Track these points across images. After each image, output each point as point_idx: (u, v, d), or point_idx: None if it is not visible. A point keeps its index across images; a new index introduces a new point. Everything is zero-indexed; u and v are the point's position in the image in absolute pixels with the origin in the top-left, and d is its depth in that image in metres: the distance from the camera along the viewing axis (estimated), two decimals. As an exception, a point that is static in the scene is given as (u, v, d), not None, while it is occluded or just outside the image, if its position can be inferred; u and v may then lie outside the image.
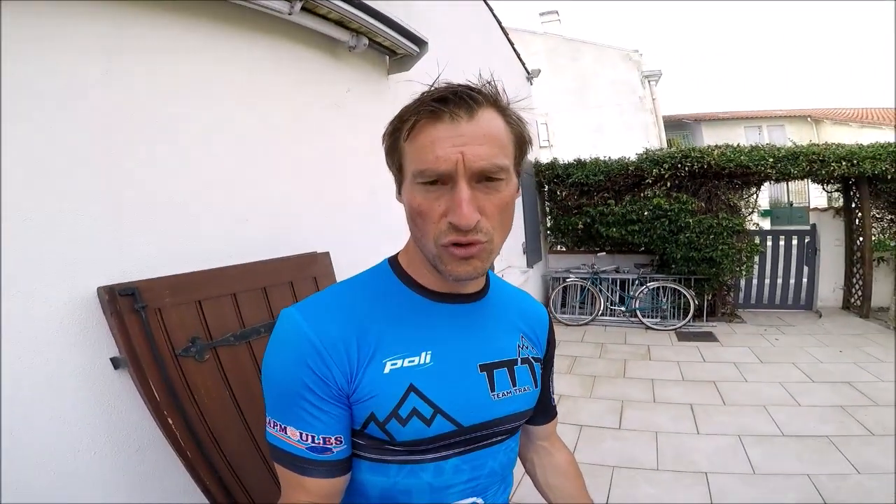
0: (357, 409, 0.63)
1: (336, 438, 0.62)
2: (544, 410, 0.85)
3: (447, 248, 0.58)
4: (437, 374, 0.64)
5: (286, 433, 0.62)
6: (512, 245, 5.71)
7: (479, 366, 0.68)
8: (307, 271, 1.82)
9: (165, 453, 1.33)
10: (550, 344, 0.84)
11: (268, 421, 0.65)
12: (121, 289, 1.23)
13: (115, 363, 1.27)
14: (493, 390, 0.68)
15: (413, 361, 0.64)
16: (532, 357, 0.76)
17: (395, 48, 2.44)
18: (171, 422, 1.27)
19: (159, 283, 1.33)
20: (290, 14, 1.72)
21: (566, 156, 6.97)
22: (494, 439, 0.70)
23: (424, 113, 0.56)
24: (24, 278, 1.10)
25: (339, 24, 2.05)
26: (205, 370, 1.39)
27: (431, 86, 0.60)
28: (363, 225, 2.41)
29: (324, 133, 2.20)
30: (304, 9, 1.77)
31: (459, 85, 0.58)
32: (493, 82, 0.60)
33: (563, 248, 7.09)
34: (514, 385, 0.71)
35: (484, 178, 0.57)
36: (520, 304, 0.80)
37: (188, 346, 1.36)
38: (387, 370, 0.62)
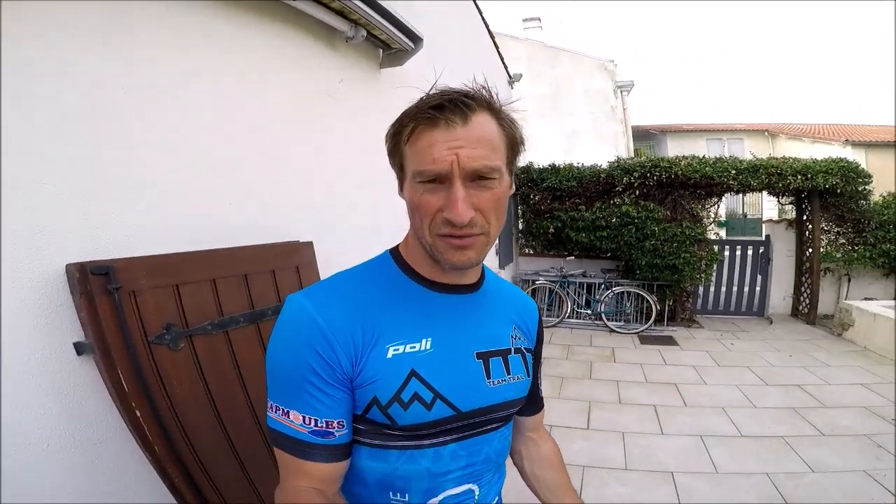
0: (360, 394, 0.64)
1: (339, 422, 0.64)
2: (533, 401, 0.88)
3: (443, 238, 0.62)
4: (436, 361, 0.66)
5: (289, 417, 0.63)
6: (486, 246, 5.76)
7: (476, 353, 0.71)
8: (290, 260, 1.75)
9: (128, 447, 1.26)
10: (539, 337, 0.87)
11: (269, 406, 0.65)
12: (94, 267, 1.15)
13: (79, 348, 1.17)
14: (488, 377, 0.71)
15: (414, 347, 0.66)
16: (524, 348, 0.79)
17: (390, 42, 2.42)
18: (138, 414, 1.19)
19: (136, 263, 1.25)
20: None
21: (539, 160, 7.07)
22: (490, 426, 0.72)
23: (423, 119, 0.60)
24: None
25: (340, 13, 2.03)
26: (178, 359, 1.31)
27: (429, 91, 0.63)
28: (347, 216, 2.36)
29: (314, 122, 2.15)
30: None
31: (455, 91, 0.62)
32: (486, 87, 0.64)
33: (531, 252, 7.19)
34: (509, 373, 0.73)
35: (477, 177, 0.61)
36: (512, 297, 0.83)
37: (162, 332, 1.28)
38: (389, 355, 0.64)
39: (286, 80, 1.97)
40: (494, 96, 0.64)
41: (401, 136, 0.63)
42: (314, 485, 0.64)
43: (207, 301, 1.42)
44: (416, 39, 2.49)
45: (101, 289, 1.16)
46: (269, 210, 1.84)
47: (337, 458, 0.64)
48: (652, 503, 2.42)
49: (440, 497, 0.68)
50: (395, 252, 0.74)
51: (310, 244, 1.89)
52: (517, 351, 0.76)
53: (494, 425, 0.73)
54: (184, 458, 1.23)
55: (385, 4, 2.13)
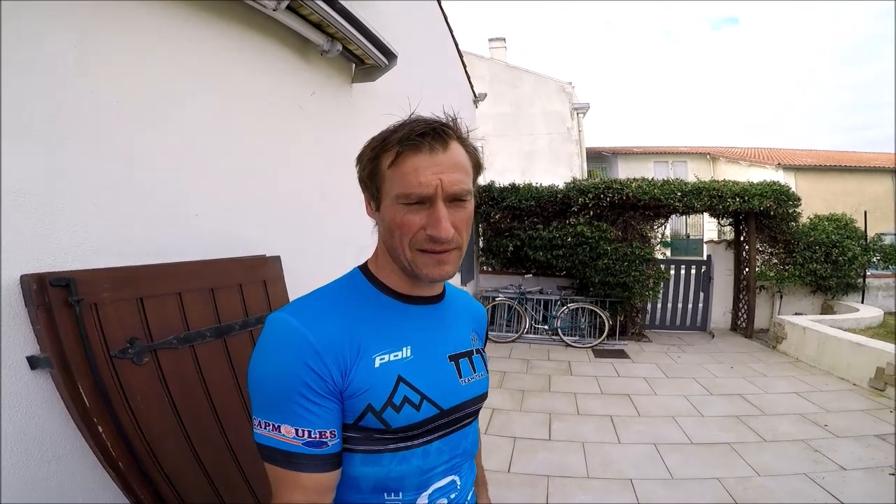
0: (352, 403, 0.67)
1: (331, 432, 0.65)
2: None
3: (423, 253, 0.68)
4: (418, 365, 0.72)
5: (280, 431, 0.64)
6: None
7: (448, 356, 0.78)
8: (257, 275, 1.72)
9: (85, 464, 1.20)
10: (487, 337, 0.98)
11: (256, 423, 0.65)
12: (53, 278, 1.10)
13: (34, 363, 1.11)
14: (460, 376, 0.78)
15: (397, 356, 0.71)
16: (481, 348, 0.88)
17: (364, 58, 2.44)
18: (101, 430, 1.14)
19: (98, 275, 1.20)
20: (274, 10, 1.68)
21: (497, 179, 7.24)
22: (465, 421, 0.79)
23: (408, 145, 0.65)
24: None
25: (318, 26, 2.03)
26: (142, 374, 1.26)
27: (409, 118, 0.69)
28: (315, 230, 2.34)
29: (284, 133, 2.14)
30: (288, 7, 1.74)
31: (434, 121, 0.68)
32: (455, 118, 0.71)
33: (489, 269, 7.32)
34: (475, 371, 0.81)
35: (455, 198, 0.67)
36: (467, 304, 0.92)
37: (126, 347, 1.23)
38: (377, 364, 0.68)
39: (257, 89, 1.95)
40: (462, 125, 0.72)
41: (381, 160, 0.68)
42: (309, 497, 0.65)
43: (173, 315, 1.37)
44: (390, 56, 2.53)
45: (60, 301, 1.11)
46: (237, 223, 1.81)
47: (329, 468, 0.66)
48: (615, 510, 2.50)
49: (430, 490, 0.73)
50: (364, 269, 0.78)
51: (277, 258, 1.87)
52: (477, 351, 0.85)
53: (468, 420, 0.80)
54: (150, 474, 1.19)
55: (361, 20, 2.16)
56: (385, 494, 0.70)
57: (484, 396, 0.83)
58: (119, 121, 1.35)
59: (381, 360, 0.68)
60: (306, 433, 0.63)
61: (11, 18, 1.07)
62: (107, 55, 1.32)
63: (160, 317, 1.33)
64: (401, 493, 0.71)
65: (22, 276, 1.09)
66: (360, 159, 0.73)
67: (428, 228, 0.66)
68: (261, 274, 1.75)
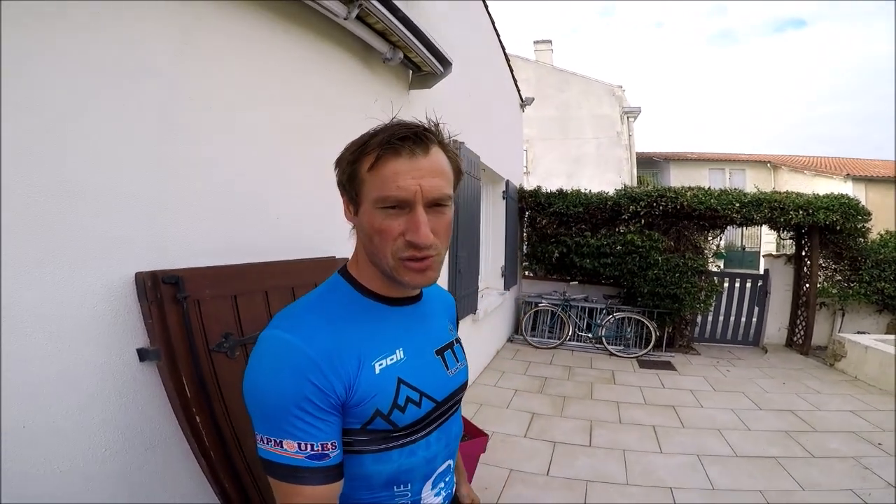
0: (359, 410, 0.69)
1: (332, 444, 0.67)
2: None
3: (404, 262, 0.69)
4: (412, 365, 0.76)
5: (282, 447, 0.64)
6: (492, 268, 5.81)
7: (435, 351, 0.83)
8: (328, 275, 1.84)
9: (176, 453, 1.30)
10: (458, 319, 1.02)
11: (259, 438, 0.66)
12: (165, 276, 1.21)
13: (142, 355, 1.22)
14: (447, 368, 0.83)
15: (393, 359, 0.74)
16: (458, 338, 0.93)
17: (422, 65, 2.51)
18: (198, 419, 1.24)
19: (201, 273, 1.32)
20: (345, 18, 1.77)
21: (541, 183, 7.14)
22: (454, 408, 0.86)
23: (388, 149, 0.66)
24: (65, 256, 1.05)
25: (382, 35, 2.11)
26: (235, 367, 1.37)
27: (390, 121, 0.70)
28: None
29: (349, 139, 2.23)
30: (356, 16, 1.83)
31: (415, 125, 0.69)
32: (437, 123, 0.72)
33: (532, 275, 7.23)
34: (458, 361, 0.87)
35: (435, 203, 0.68)
36: (439, 297, 0.95)
37: (221, 341, 1.35)
38: (377, 371, 0.71)
39: (328, 96, 2.05)
40: (445, 130, 0.73)
41: (360, 164, 0.68)
42: None
43: (260, 311, 1.49)
44: (446, 64, 2.60)
45: (170, 297, 1.22)
46: (311, 225, 1.92)
47: (331, 480, 0.67)
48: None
49: (433, 477, 0.80)
50: (345, 274, 0.79)
51: (346, 260, 1.98)
52: (456, 342, 0.90)
53: (456, 407, 0.87)
54: (236, 465, 1.28)
55: (422, 29, 2.22)
56: (395, 488, 0.75)
57: (466, 383, 0.89)
58: (212, 125, 1.44)
59: (380, 365, 0.71)
60: (309, 446, 0.64)
61: (117, 25, 1.15)
62: (201, 61, 1.39)
63: (250, 313, 1.45)
64: (409, 485, 0.76)
65: (137, 274, 1.20)
66: (339, 163, 0.73)
67: (407, 234, 0.67)
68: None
